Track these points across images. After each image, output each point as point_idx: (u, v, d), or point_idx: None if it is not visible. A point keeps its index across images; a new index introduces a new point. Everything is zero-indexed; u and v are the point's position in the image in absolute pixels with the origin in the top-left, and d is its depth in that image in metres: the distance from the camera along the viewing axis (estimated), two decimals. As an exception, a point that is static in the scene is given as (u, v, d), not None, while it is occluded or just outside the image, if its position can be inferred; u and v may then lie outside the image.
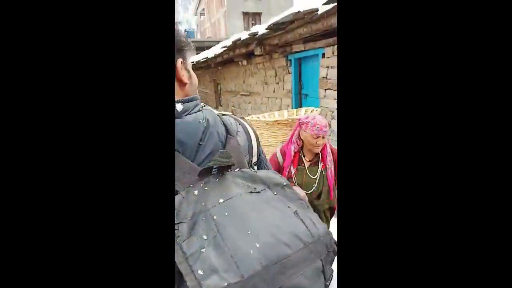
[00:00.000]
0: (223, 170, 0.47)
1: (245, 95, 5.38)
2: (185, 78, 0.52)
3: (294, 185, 1.38)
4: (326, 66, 3.06)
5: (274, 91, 4.35)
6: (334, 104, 3.00)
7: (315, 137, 1.29)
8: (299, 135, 1.38)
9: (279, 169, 1.44)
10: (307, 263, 0.42)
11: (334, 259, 0.55)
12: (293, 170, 1.39)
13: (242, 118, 0.84)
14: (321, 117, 1.34)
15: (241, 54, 4.69)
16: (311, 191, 1.37)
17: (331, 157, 1.38)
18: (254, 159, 0.63)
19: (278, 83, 4.22)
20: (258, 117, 2.34)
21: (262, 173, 0.52)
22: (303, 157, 1.41)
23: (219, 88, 7.08)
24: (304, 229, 0.45)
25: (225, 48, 4.99)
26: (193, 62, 7.34)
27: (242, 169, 0.50)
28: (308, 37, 3.13)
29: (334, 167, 1.40)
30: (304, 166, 1.40)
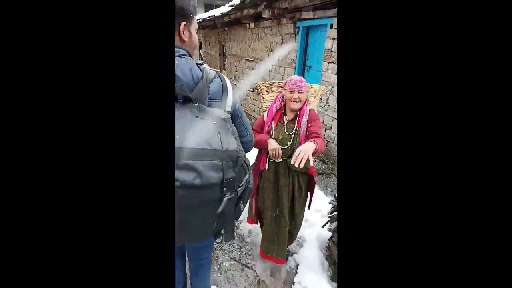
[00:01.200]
0: (186, 101, 0.70)
1: (250, 61, 5.23)
2: (185, 37, 0.74)
3: (271, 137, 1.48)
4: (333, 37, 2.95)
5: (278, 59, 4.24)
6: (334, 79, 2.97)
7: (290, 91, 1.41)
8: (282, 96, 1.50)
9: (263, 125, 1.56)
10: (207, 157, 0.70)
11: (242, 171, 0.85)
12: (273, 126, 1.51)
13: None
14: (299, 76, 1.45)
15: (249, 15, 4.46)
16: (286, 147, 1.46)
17: (307, 118, 1.46)
18: (228, 109, 0.84)
19: (283, 51, 4.10)
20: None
21: (212, 109, 0.75)
22: (284, 116, 1.52)
23: (224, 51, 6.84)
24: (218, 142, 0.72)
25: (233, 8, 4.73)
26: (199, 20, 6.98)
27: (199, 104, 0.73)
28: (318, 4, 2.97)
29: (310, 124, 1.43)
30: (283, 123, 1.50)
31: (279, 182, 1.55)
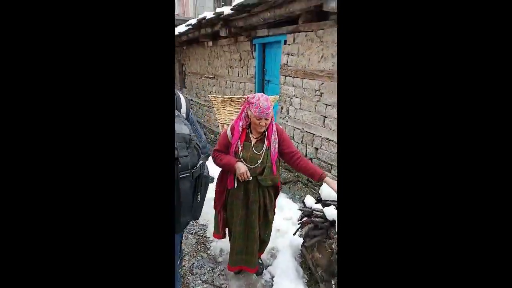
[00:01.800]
0: None
1: (210, 78, 5.26)
2: None
3: (239, 160, 1.45)
4: (287, 53, 3.14)
5: (238, 75, 4.34)
6: (292, 91, 3.13)
7: (257, 118, 1.37)
8: (247, 113, 1.44)
9: (228, 144, 1.51)
10: None
11: (195, 152, 0.96)
12: (240, 146, 1.46)
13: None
14: (266, 99, 1.37)
15: (206, 34, 4.54)
16: (255, 166, 1.46)
17: (276, 136, 1.47)
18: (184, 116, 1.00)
19: (242, 67, 4.22)
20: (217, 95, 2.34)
21: None
22: (250, 134, 1.49)
23: (184, 69, 6.79)
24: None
25: (190, 27, 4.78)
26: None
27: None
28: (272, 22, 3.16)
29: (283, 143, 1.49)
30: (251, 142, 1.48)
31: (249, 198, 1.54)
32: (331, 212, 1.48)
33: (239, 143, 1.46)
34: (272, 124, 1.47)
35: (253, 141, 1.48)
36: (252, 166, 1.45)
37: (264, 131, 1.47)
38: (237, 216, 1.56)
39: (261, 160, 1.45)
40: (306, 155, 2.99)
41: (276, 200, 1.71)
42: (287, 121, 3.27)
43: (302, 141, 3.05)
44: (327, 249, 1.43)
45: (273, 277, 1.77)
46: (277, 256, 1.96)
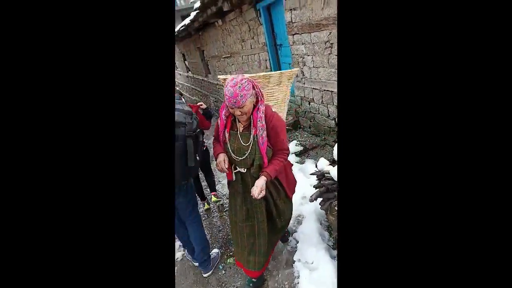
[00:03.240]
0: None
1: (227, 57, 5.21)
2: None
3: (221, 152, 1.32)
4: (290, 8, 2.84)
5: (251, 47, 4.17)
6: (303, 49, 2.86)
7: (230, 107, 1.19)
8: None
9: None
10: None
11: (195, 122, 1.50)
12: (227, 135, 1.31)
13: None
14: (234, 83, 1.14)
15: (214, 14, 4.44)
16: (243, 157, 1.28)
17: (263, 123, 1.23)
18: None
19: (253, 38, 4.03)
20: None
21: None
22: (237, 122, 1.31)
23: (204, 55, 6.86)
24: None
25: (197, 11, 4.72)
26: (176, 32, 7.04)
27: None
28: (267, -21, 2.88)
29: (270, 133, 1.26)
30: (237, 131, 1.30)
31: (250, 191, 1.31)
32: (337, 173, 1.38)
33: (225, 132, 1.31)
34: (258, 112, 1.21)
35: (240, 129, 1.29)
36: (240, 158, 1.28)
37: (250, 118, 1.24)
38: (241, 211, 1.42)
39: (249, 151, 1.26)
40: (328, 116, 2.79)
41: (288, 187, 1.46)
42: (304, 83, 3.05)
43: (322, 101, 2.83)
44: (334, 211, 1.36)
45: (297, 242, 1.79)
46: (302, 222, 1.97)
